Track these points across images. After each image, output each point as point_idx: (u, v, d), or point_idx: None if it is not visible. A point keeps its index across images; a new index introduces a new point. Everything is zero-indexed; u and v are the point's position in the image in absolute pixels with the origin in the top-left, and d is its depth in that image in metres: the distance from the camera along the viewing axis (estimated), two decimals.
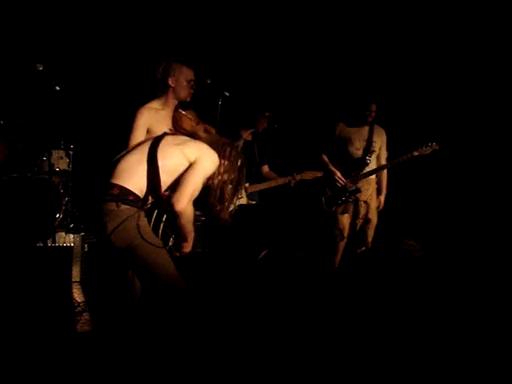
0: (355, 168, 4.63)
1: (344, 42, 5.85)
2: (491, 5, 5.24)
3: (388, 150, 4.82)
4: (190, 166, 2.49)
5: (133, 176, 2.42)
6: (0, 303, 3.54)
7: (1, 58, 5.42)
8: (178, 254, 2.59)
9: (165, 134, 2.70)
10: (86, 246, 4.77)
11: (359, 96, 4.74)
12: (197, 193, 2.49)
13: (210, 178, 2.59)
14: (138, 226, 2.34)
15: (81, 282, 4.61)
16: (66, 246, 4.72)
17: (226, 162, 2.61)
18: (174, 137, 2.68)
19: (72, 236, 4.78)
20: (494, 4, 5.24)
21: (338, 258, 4.62)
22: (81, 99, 5.90)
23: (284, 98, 5.90)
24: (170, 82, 3.22)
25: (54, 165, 5.24)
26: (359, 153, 4.64)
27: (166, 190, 2.50)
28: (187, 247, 2.59)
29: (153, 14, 5.72)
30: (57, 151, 5.41)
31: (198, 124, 3.39)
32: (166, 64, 3.25)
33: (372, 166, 4.67)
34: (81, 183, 5.57)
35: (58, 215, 5.17)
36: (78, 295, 4.12)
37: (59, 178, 5.40)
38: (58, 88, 4.54)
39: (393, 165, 4.69)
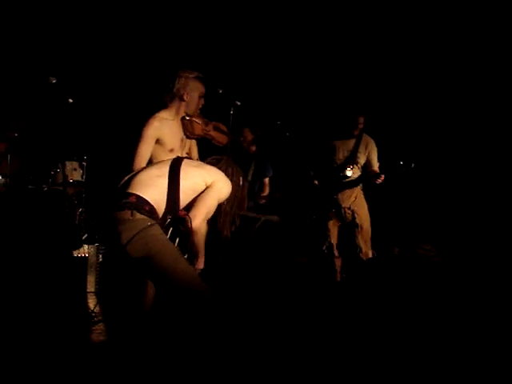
0: (336, 179, 4.60)
1: (333, 54, 5.86)
2: (475, 16, 5.23)
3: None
4: (207, 188, 2.56)
5: (151, 188, 2.42)
6: (15, 314, 3.56)
7: (15, 72, 5.49)
8: None
9: (184, 157, 2.79)
10: (100, 256, 4.78)
11: (346, 109, 4.72)
12: (211, 214, 2.56)
13: (222, 204, 2.68)
14: (154, 235, 2.33)
15: (96, 293, 4.62)
16: (81, 256, 4.73)
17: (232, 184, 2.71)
18: (192, 160, 2.83)
19: (87, 246, 4.79)
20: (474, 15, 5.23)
21: (338, 263, 4.60)
22: (93, 111, 5.96)
23: (289, 105, 5.92)
24: (184, 97, 3.26)
25: (67, 176, 5.29)
26: (341, 163, 4.62)
27: (181, 210, 2.51)
28: (200, 265, 2.59)
29: (164, 26, 5.77)
30: (70, 162, 5.47)
31: (207, 125, 3.42)
32: (182, 78, 3.27)
33: (354, 177, 4.62)
34: (94, 194, 5.61)
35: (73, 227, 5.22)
36: (93, 305, 4.13)
37: (73, 189, 5.45)
38: (71, 100, 4.59)
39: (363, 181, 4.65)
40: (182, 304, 2.37)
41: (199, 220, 2.46)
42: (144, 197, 2.37)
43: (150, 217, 2.35)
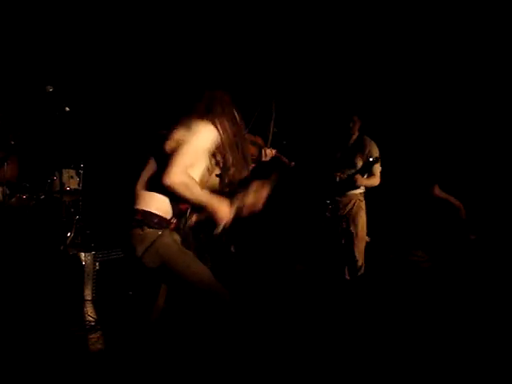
0: (335, 184, 4.58)
1: (326, 57, 5.88)
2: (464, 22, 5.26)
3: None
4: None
5: (153, 197, 2.38)
6: (13, 321, 3.56)
7: (12, 80, 5.50)
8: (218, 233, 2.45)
9: None
10: (97, 264, 4.78)
11: (339, 110, 4.73)
12: (190, 160, 2.32)
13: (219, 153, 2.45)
14: (165, 243, 2.34)
15: (93, 301, 4.61)
16: (78, 263, 4.72)
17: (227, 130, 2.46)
18: None
19: (83, 254, 4.79)
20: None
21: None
22: (90, 119, 5.97)
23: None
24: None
25: (64, 184, 5.29)
26: (338, 166, 4.60)
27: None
28: (220, 216, 2.38)
29: (159, 33, 5.80)
30: (67, 170, 5.47)
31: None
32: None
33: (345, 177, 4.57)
34: (91, 202, 5.62)
35: (69, 234, 5.22)
36: (90, 314, 4.13)
37: (70, 197, 5.45)
38: (67, 109, 4.60)
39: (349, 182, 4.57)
40: (199, 306, 2.37)
41: (171, 175, 2.24)
42: (150, 211, 2.36)
43: (159, 227, 2.35)
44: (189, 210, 2.48)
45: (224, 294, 2.37)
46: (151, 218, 2.35)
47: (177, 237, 2.48)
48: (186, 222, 2.54)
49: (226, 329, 2.35)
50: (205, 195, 2.36)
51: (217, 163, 2.47)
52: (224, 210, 2.40)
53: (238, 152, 2.49)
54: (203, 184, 2.42)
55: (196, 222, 2.60)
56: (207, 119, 2.39)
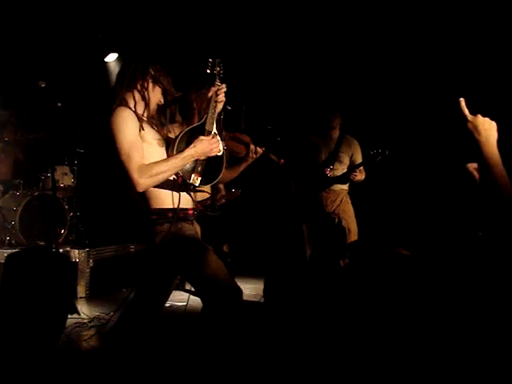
0: (319, 179, 4.58)
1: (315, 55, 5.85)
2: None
3: None
4: None
5: (157, 194, 2.41)
6: (6, 320, 3.53)
7: (3, 76, 5.46)
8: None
9: None
10: (91, 261, 4.76)
11: (320, 105, 4.73)
12: (135, 158, 2.29)
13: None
14: (180, 234, 2.39)
15: (86, 298, 4.60)
16: (72, 261, 4.70)
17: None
18: None
19: (77, 252, 4.77)
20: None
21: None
22: (84, 115, 5.93)
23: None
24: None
25: (58, 181, 5.26)
26: (323, 164, 4.59)
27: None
28: (206, 151, 2.38)
29: (153, 29, 5.76)
30: (61, 167, 5.44)
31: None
32: None
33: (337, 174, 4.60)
34: (85, 199, 5.58)
35: (62, 231, 5.19)
36: (83, 311, 4.11)
37: (63, 193, 5.42)
38: (60, 104, 4.56)
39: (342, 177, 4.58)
40: (208, 299, 2.37)
41: (135, 182, 2.28)
42: (162, 207, 2.40)
43: (177, 219, 2.38)
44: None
45: (235, 291, 2.38)
46: (166, 214, 2.39)
47: (198, 229, 2.55)
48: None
49: (230, 324, 2.35)
50: (174, 160, 2.36)
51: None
52: (201, 147, 2.39)
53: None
54: (174, 146, 2.39)
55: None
56: (116, 106, 2.37)
